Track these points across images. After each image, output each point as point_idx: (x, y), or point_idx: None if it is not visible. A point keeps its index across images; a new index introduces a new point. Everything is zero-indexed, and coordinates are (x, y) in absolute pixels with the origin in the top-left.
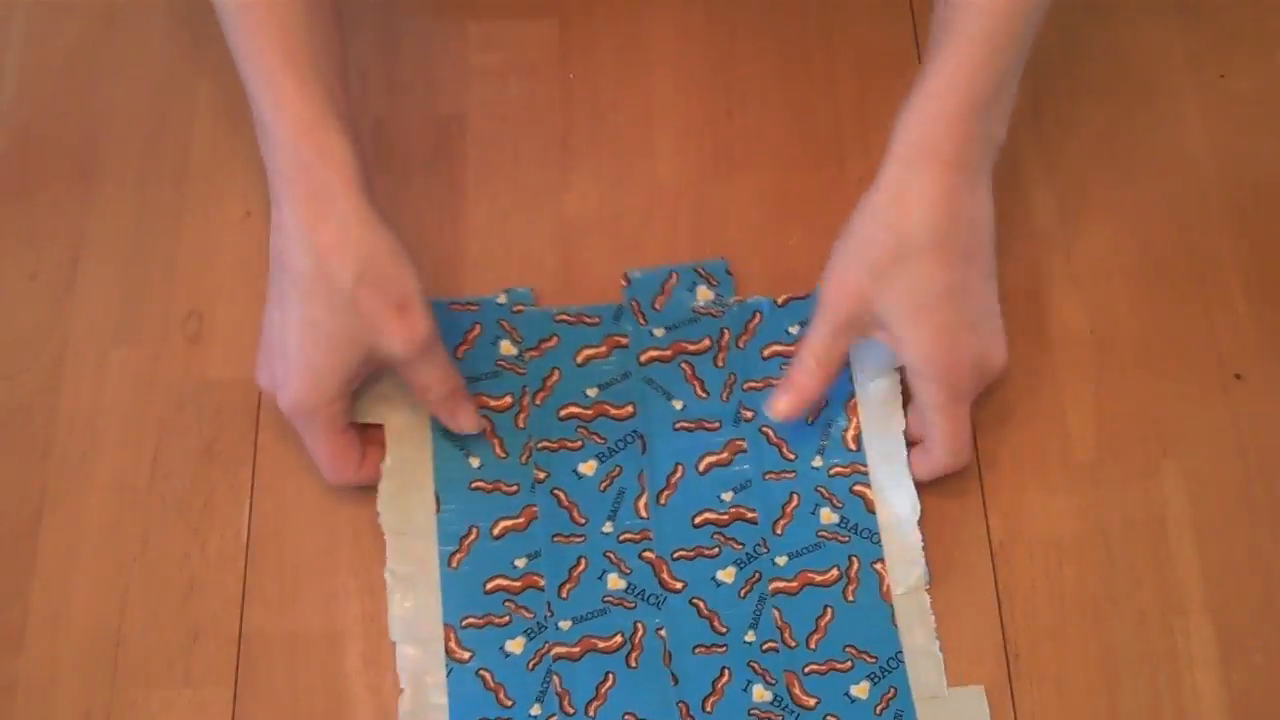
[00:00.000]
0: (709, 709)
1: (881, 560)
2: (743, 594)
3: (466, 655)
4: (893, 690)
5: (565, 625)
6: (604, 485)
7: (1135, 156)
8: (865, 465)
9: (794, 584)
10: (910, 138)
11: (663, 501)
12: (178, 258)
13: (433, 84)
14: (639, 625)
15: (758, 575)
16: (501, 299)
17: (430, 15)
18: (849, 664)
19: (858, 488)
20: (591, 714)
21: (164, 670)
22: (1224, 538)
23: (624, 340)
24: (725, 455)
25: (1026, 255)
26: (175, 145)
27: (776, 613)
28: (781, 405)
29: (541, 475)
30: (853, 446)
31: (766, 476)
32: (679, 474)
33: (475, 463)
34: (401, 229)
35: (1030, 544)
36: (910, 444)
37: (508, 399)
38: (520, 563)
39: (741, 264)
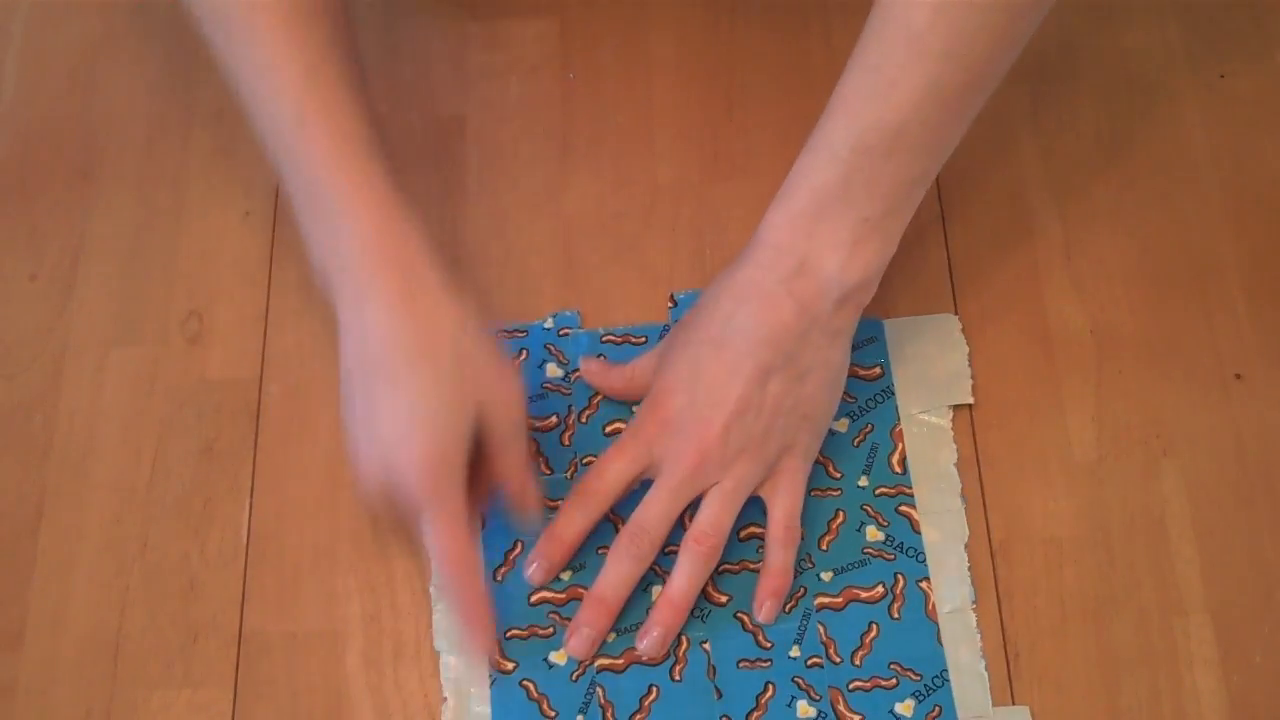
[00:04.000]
0: None
1: (927, 579)
2: (788, 609)
3: (510, 666)
4: (937, 708)
5: (610, 637)
6: None
7: (1135, 157)
8: (911, 488)
9: (839, 600)
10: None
11: None
12: (178, 258)
13: (433, 84)
14: (684, 638)
15: (803, 590)
16: (548, 323)
17: (430, 15)
18: (894, 681)
19: (903, 508)
20: None
21: (164, 670)
22: (1224, 538)
23: None
24: None
25: (1026, 255)
26: (175, 146)
27: (821, 628)
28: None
29: None
30: (898, 470)
31: (812, 493)
32: None
33: None
34: None
35: (1030, 544)
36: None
37: (553, 419)
38: (565, 575)
39: None
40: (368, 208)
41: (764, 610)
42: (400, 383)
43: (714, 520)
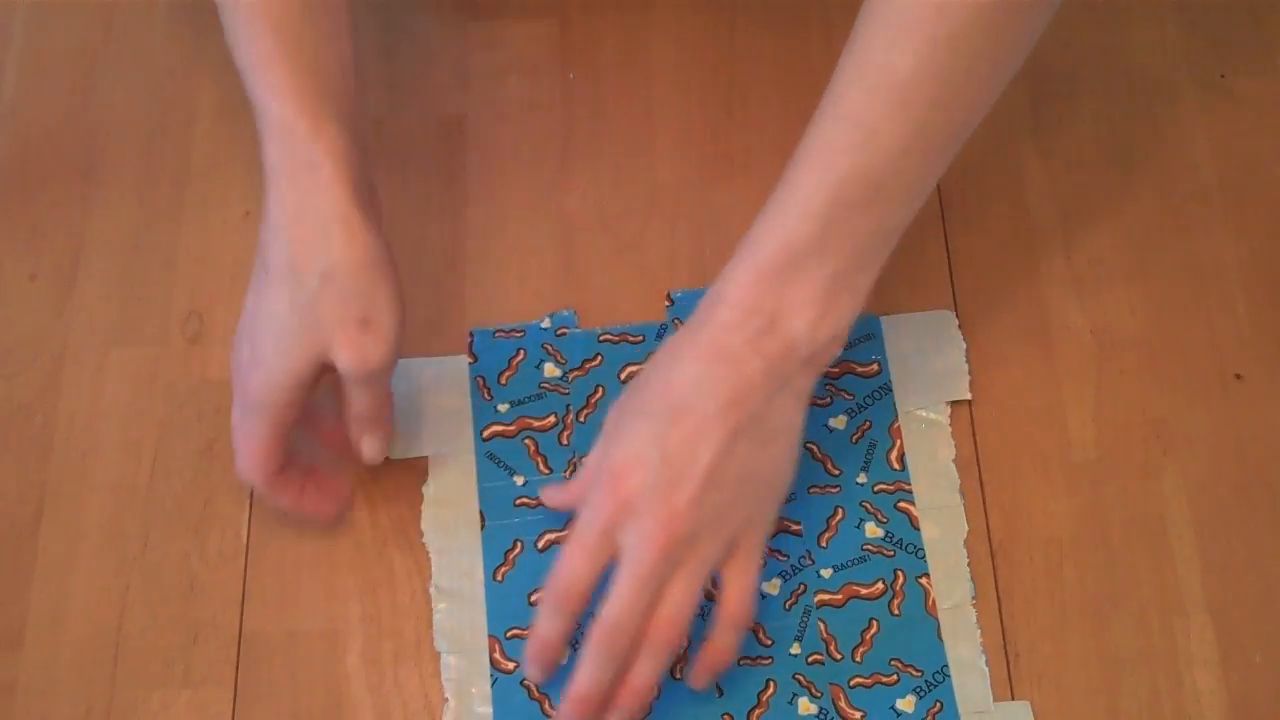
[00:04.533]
0: None
1: (927, 575)
2: (788, 606)
3: (511, 666)
4: (938, 704)
5: None
6: None
7: (1135, 156)
8: (909, 484)
9: (839, 597)
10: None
11: None
12: (178, 258)
13: (433, 84)
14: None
15: (803, 587)
16: (545, 323)
17: (430, 15)
18: (894, 677)
19: (902, 504)
20: None
21: (164, 670)
22: (1224, 538)
23: None
24: None
25: (1026, 255)
26: (175, 145)
27: (822, 625)
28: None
29: None
30: (896, 466)
31: (810, 490)
32: None
33: (519, 481)
34: (401, 229)
35: (1030, 544)
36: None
37: (551, 418)
38: None
39: None
40: (291, 110)
41: (699, 681)
42: (265, 293)
43: (678, 608)
